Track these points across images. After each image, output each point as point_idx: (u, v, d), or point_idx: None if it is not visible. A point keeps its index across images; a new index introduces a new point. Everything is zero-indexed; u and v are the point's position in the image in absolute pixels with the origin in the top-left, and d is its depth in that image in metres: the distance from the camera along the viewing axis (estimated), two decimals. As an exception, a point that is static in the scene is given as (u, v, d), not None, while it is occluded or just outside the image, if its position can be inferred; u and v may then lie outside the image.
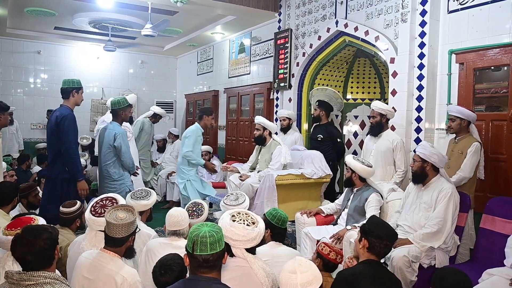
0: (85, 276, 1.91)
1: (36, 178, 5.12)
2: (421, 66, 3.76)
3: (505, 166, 3.19)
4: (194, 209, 2.71)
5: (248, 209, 2.80)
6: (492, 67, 3.35)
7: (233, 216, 1.88)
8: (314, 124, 4.81)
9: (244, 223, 1.85)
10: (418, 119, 3.80)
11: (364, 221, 2.30)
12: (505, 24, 3.27)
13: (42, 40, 7.96)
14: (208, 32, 6.94)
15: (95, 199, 2.45)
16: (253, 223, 1.88)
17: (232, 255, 1.85)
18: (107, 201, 2.39)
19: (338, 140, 4.58)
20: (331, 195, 4.35)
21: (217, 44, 7.71)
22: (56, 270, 1.83)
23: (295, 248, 3.42)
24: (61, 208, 2.88)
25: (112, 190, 3.59)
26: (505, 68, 3.24)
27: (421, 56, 3.76)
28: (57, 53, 8.28)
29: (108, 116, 4.12)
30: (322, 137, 4.53)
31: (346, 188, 3.39)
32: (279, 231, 2.36)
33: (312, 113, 5.11)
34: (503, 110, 3.27)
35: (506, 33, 3.27)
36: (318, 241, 3.06)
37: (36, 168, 5.78)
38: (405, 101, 3.85)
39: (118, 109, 3.75)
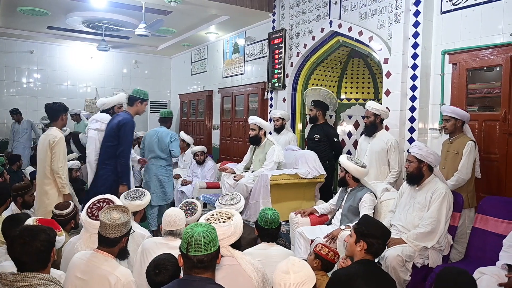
0: (78, 277, 1.89)
1: (29, 179, 5.05)
2: (414, 67, 3.79)
3: (497, 165, 3.22)
4: (187, 207, 2.71)
5: (242, 209, 2.81)
6: (485, 68, 3.37)
7: (208, 219, 1.90)
8: (311, 125, 4.81)
9: (219, 222, 1.87)
10: (412, 119, 3.82)
11: (356, 221, 2.30)
12: (498, 25, 3.31)
13: (35, 40, 7.89)
14: (202, 32, 6.93)
15: (91, 200, 2.42)
16: (228, 218, 1.90)
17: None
18: (104, 203, 2.37)
19: (335, 139, 4.59)
20: (328, 195, 4.36)
21: (211, 44, 7.70)
22: (53, 269, 1.82)
23: (289, 248, 3.42)
24: (54, 210, 2.86)
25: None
26: (498, 68, 3.26)
27: (415, 56, 3.78)
28: (50, 52, 8.22)
29: (99, 116, 4.06)
30: (319, 137, 4.54)
31: (340, 188, 3.40)
32: (269, 232, 2.35)
33: (307, 113, 5.12)
34: (495, 110, 3.30)
35: (499, 33, 3.30)
36: (312, 240, 3.07)
37: (29, 169, 5.70)
38: (398, 101, 3.87)
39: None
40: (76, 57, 8.43)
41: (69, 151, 6.45)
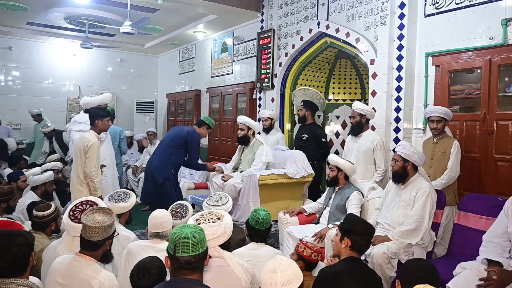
0: (59, 282, 1.84)
1: (7, 181, 4.88)
2: (399, 68, 3.85)
3: (478, 164, 3.30)
4: (178, 210, 2.69)
5: (231, 210, 2.80)
6: (466, 70, 3.45)
7: (197, 220, 1.90)
8: (299, 124, 4.84)
9: (209, 222, 1.86)
10: (397, 119, 3.89)
11: (341, 221, 2.34)
12: (477, 29, 3.40)
13: (14, 36, 7.63)
14: (190, 30, 6.86)
15: (74, 203, 2.36)
16: (218, 218, 1.91)
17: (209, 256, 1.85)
18: (87, 205, 2.32)
19: (323, 139, 4.63)
20: (316, 194, 4.39)
21: (199, 43, 7.64)
22: (31, 277, 1.76)
23: (278, 247, 3.43)
24: (34, 212, 2.79)
25: None
26: (478, 70, 3.34)
27: (400, 58, 3.85)
28: (30, 49, 7.96)
29: (81, 116, 3.98)
30: (307, 136, 4.57)
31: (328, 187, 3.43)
32: (259, 232, 2.36)
33: (295, 113, 5.15)
34: (476, 110, 3.38)
35: (478, 37, 3.39)
36: (301, 240, 3.09)
37: (7, 170, 5.51)
38: (384, 101, 3.93)
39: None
40: (58, 55, 8.19)
41: (52, 150, 6.32)
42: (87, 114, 3.95)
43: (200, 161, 4.63)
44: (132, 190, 5.59)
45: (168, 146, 4.00)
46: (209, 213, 1.95)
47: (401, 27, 3.83)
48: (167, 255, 1.60)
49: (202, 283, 1.60)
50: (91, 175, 3.35)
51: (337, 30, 4.43)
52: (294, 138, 5.04)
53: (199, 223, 1.85)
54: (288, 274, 1.52)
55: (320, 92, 5.11)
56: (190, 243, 1.53)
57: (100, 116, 3.51)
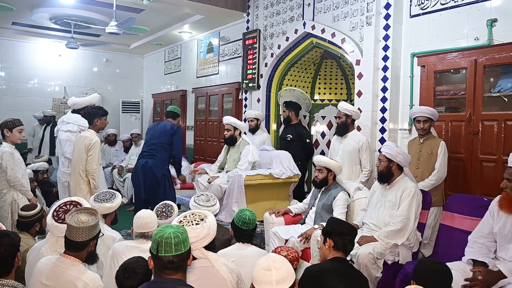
0: (43, 283, 1.82)
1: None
2: (385, 68, 3.89)
3: (463, 164, 3.34)
4: (163, 210, 2.66)
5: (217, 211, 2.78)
6: (451, 70, 3.49)
7: (180, 222, 1.88)
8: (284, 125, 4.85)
9: (192, 224, 1.84)
10: (383, 120, 3.92)
11: (322, 225, 2.35)
12: (463, 29, 3.45)
13: (-2, 36, 7.49)
14: (176, 31, 6.82)
15: (57, 203, 2.33)
16: (202, 219, 1.89)
17: (194, 258, 1.82)
18: (71, 206, 2.30)
19: (307, 140, 4.64)
20: (300, 195, 4.39)
21: (185, 43, 7.59)
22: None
23: (264, 248, 3.41)
24: (20, 212, 2.78)
25: None
26: (463, 71, 3.38)
27: (385, 58, 3.88)
28: (15, 49, 7.83)
29: (69, 116, 3.92)
30: (291, 137, 4.58)
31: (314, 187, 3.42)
32: (245, 232, 2.35)
33: (281, 114, 5.15)
34: (461, 111, 3.42)
35: (464, 37, 3.44)
36: (286, 240, 3.08)
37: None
38: (370, 102, 3.96)
39: None
40: (44, 55, 8.07)
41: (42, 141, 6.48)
42: (76, 114, 3.92)
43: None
44: (118, 190, 5.50)
45: (159, 144, 4.02)
46: (192, 214, 1.93)
47: (386, 27, 3.87)
48: (150, 255, 1.57)
49: (185, 282, 1.58)
50: (93, 172, 3.40)
51: (323, 31, 4.46)
52: (279, 137, 5.05)
53: (182, 225, 1.82)
54: (283, 272, 1.50)
55: (306, 92, 5.13)
56: (172, 242, 1.52)
57: (98, 115, 3.55)
